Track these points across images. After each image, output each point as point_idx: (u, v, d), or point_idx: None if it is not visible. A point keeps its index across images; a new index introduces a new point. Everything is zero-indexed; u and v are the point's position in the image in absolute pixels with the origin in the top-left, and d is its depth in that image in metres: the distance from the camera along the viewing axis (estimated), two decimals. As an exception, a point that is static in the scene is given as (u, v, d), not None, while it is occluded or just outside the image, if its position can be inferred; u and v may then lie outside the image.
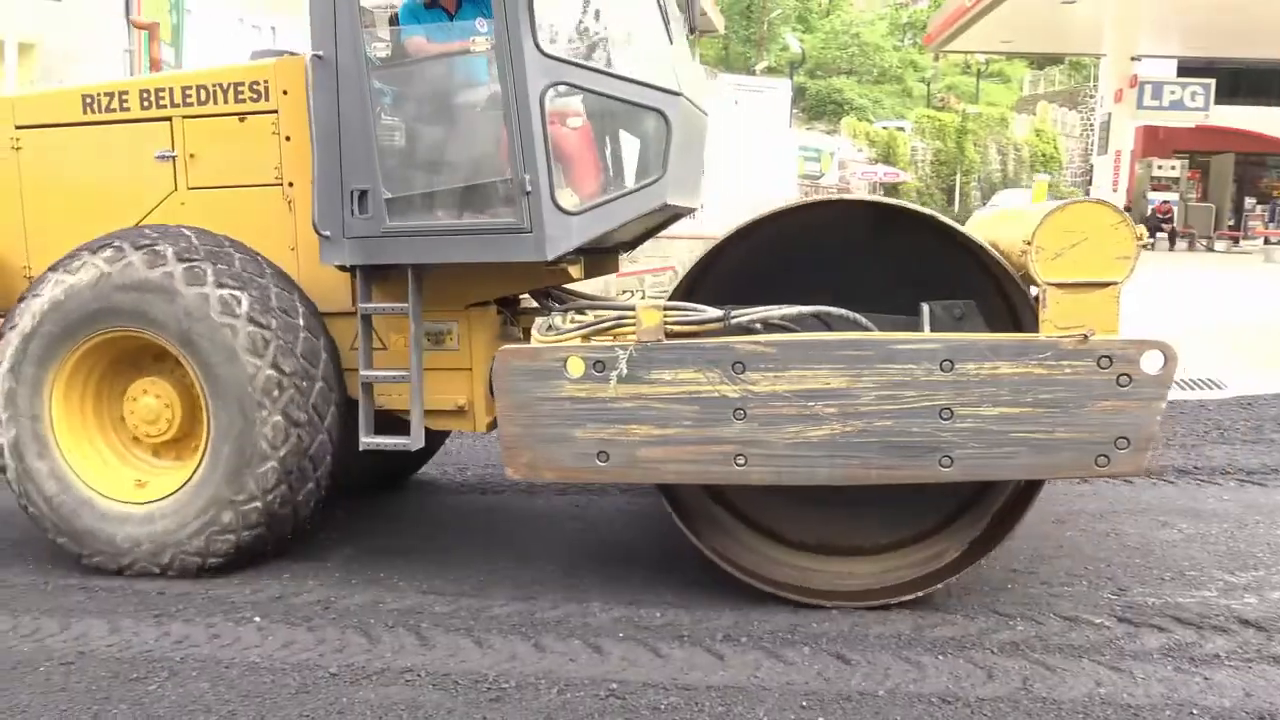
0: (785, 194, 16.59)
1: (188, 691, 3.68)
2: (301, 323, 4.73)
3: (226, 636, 4.17)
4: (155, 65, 5.84)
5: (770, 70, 46.60)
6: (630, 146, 4.98)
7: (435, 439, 6.13)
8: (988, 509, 4.67)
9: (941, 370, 3.96)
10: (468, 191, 4.75)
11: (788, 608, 4.40)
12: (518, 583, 4.76)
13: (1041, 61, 56.04)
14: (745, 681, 3.76)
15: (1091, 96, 49.64)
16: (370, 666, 3.87)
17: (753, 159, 16.21)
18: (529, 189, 4.39)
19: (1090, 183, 36.78)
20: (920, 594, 4.37)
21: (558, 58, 4.48)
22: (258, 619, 4.33)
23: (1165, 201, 28.76)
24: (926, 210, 4.27)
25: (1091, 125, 47.81)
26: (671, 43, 4.95)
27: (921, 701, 3.61)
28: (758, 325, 4.28)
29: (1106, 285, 3.90)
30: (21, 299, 4.90)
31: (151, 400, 4.94)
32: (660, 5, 4.92)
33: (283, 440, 4.60)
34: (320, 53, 4.55)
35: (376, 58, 4.74)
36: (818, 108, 49.99)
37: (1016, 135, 48.09)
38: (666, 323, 4.21)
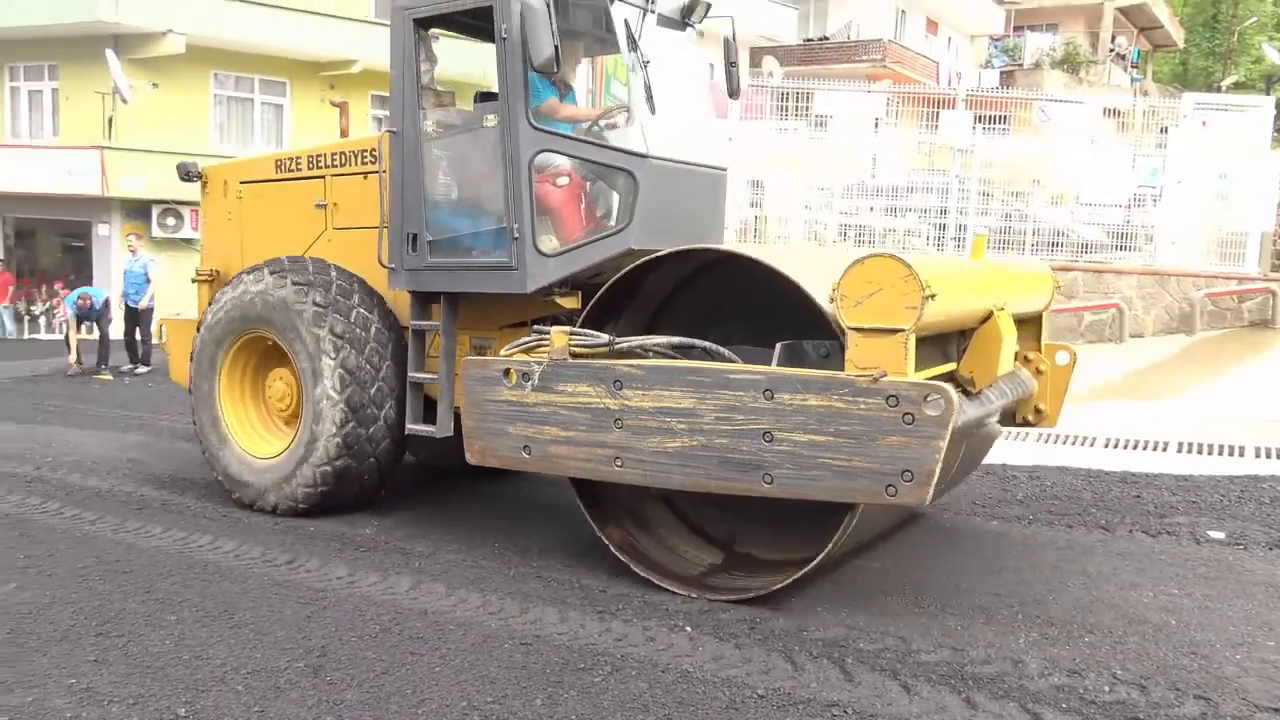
0: (1263, 226, 14.53)
1: (629, 689, 3.91)
2: (372, 336, 6.12)
3: (661, 641, 4.38)
4: (344, 135, 7.43)
5: (1238, 86, 41.39)
6: (610, 200, 5.74)
7: None
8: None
9: (764, 398, 4.44)
10: (479, 236, 5.88)
11: (1269, 708, 3.80)
12: (945, 629, 4.55)
13: None
14: (1219, 785, 3.29)
15: None
16: (796, 694, 3.87)
17: (1225, 187, 14.39)
18: (516, 235, 5.45)
19: None
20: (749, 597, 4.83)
21: (544, 129, 5.47)
22: (689, 629, 4.52)
23: None
24: (758, 259, 4.60)
25: None
26: (654, 113, 5.67)
27: None
28: (650, 351, 4.98)
29: (896, 332, 4.20)
30: (210, 304, 6.66)
31: (280, 384, 6.51)
32: (645, 83, 5.66)
33: (345, 423, 5.97)
34: (395, 129, 5.89)
35: (428, 131, 5.91)
36: (1298, 127, 43.45)
37: None
38: (571, 345, 5.00)
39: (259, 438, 6.59)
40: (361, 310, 6.15)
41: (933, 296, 4.15)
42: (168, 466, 7.79)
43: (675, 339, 5.02)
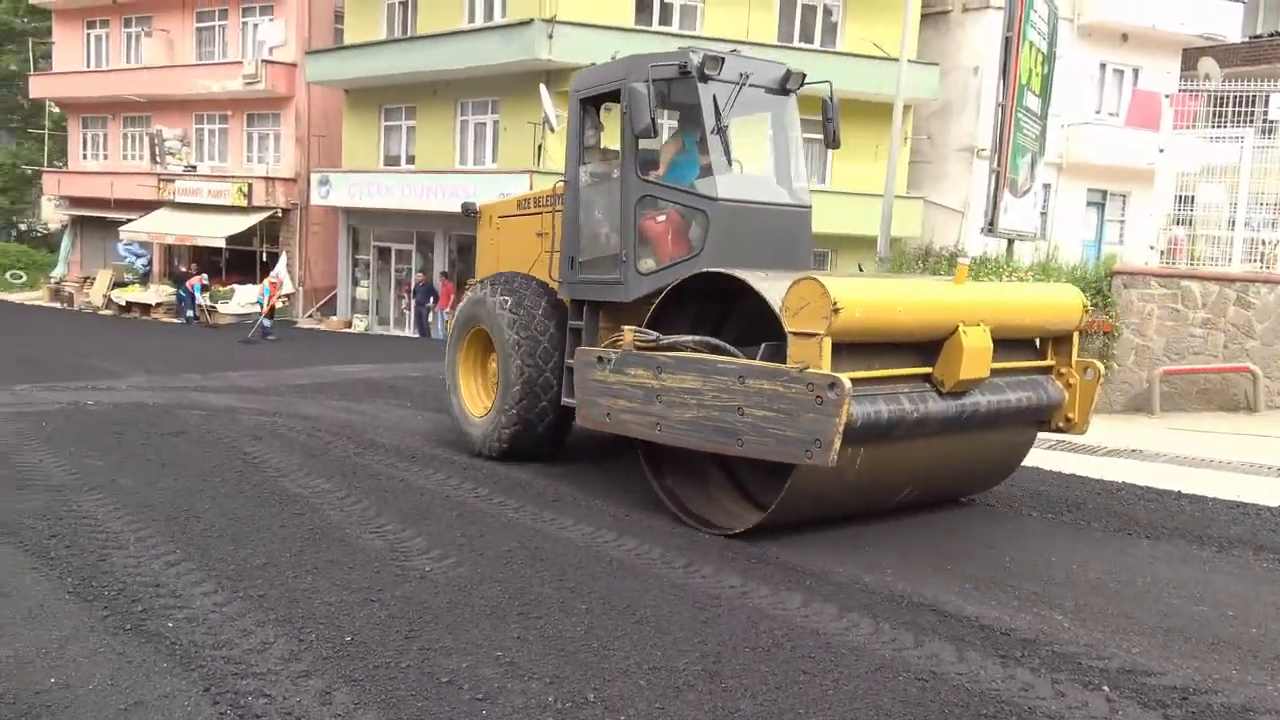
0: None
1: (1037, 746, 3.60)
2: (545, 338, 8.08)
3: (1073, 698, 4.01)
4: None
5: None
6: (692, 233, 7.16)
7: None
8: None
9: (739, 383, 5.85)
10: (604, 259, 7.66)
11: None
12: None
13: None
14: None
15: None
16: (1243, 784, 3.37)
17: None
18: (624, 259, 7.28)
19: None
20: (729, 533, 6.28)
21: (646, 179, 7.27)
22: (1106, 688, 4.10)
23: None
24: (748, 279, 5.99)
25: None
26: (730, 165, 7.24)
27: None
28: (688, 346, 6.37)
29: (815, 335, 5.48)
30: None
31: (494, 365, 8.69)
32: (724, 143, 7.19)
33: (519, 401, 8.09)
34: (566, 179, 7.99)
35: (583, 181, 7.86)
36: None
37: None
38: (635, 340, 6.57)
39: (479, 402, 8.92)
40: (542, 317, 8.15)
41: (837, 311, 5.38)
42: (578, 465, 8.42)
43: (699, 337, 6.42)
